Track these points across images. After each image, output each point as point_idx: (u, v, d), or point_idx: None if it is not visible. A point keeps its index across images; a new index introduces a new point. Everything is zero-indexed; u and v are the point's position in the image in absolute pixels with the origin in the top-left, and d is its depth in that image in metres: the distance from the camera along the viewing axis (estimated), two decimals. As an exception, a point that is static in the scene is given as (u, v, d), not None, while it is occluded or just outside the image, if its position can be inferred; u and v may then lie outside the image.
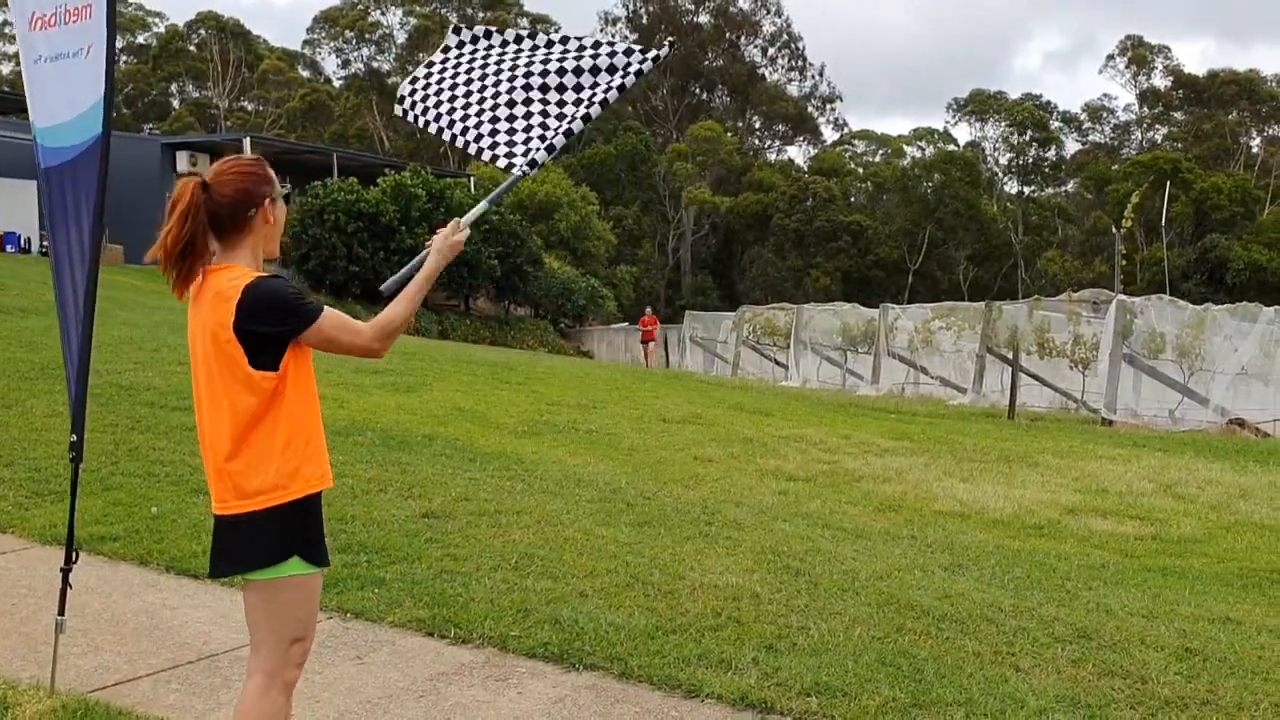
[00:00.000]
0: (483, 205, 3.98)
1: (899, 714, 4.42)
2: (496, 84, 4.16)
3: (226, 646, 5.00)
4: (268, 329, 3.01)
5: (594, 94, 4.02)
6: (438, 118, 4.24)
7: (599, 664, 4.89)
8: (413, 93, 4.32)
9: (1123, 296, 16.79)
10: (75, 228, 3.92)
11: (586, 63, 4.07)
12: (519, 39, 4.26)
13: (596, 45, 4.09)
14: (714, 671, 4.80)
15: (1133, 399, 17.65)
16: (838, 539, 7.45)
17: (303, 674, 4.72)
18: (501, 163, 4.01)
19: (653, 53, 4.01)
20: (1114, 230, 18.64)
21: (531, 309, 40.57)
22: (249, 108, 77.11)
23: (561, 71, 4.06)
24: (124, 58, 78.21)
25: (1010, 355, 18.61)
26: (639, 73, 4.00)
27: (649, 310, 36.67)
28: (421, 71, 4.40)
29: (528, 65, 4.14)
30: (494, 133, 4.09)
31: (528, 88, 4.08)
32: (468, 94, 4.18)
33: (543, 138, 3.96)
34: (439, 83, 4.31)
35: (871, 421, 13.94)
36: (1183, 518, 8.86)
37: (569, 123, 3.98)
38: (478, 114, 4.12)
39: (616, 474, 9.12)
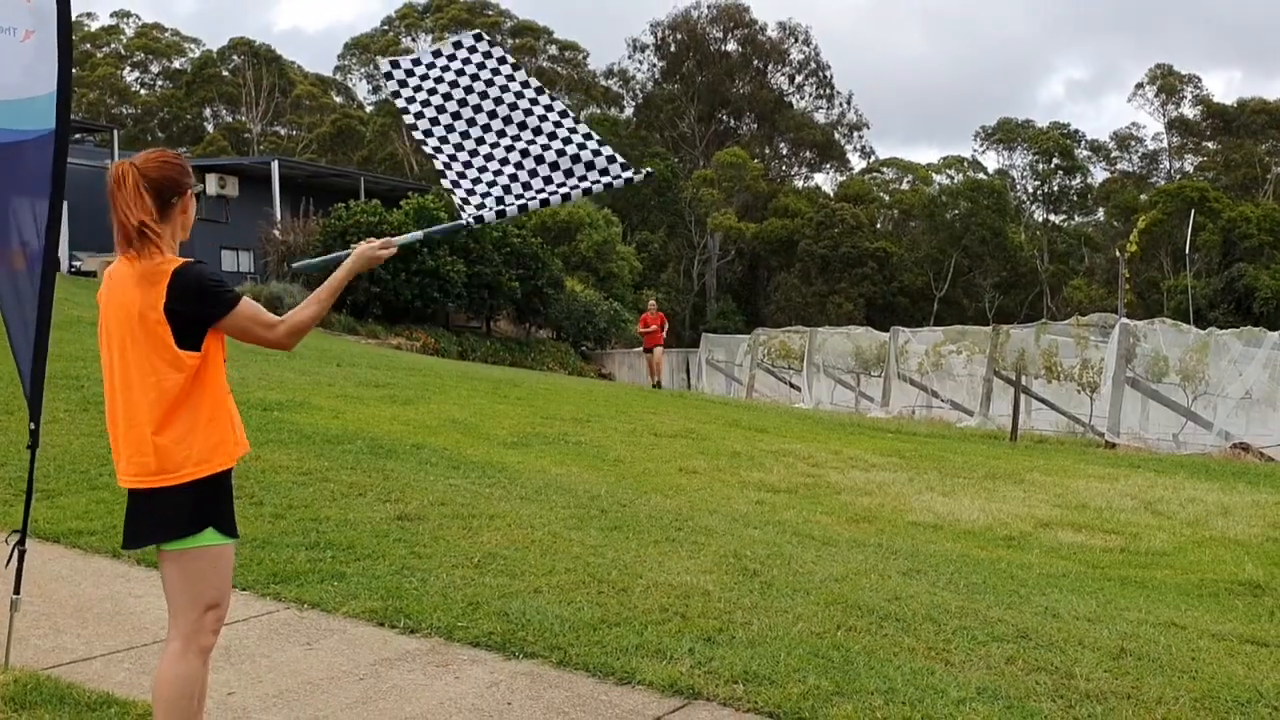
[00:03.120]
0: (417, 235, 4.19)
1: (821, 700, 4.56)
2: (489, 121, 4.31)
3: (183, 631, 5.18)
4: (193, 311, 3.23)
5: (565, 184, 4.19)
6: (419, 116, 4.35)
7: (539, 653, 5.05)
8: (411, 74, 4.44)
9: (1126, 320, 16.84)
10: (13, 221, 4.12)
11: (574, 149, 4.22)
12: (538, 89, 4.40)
13: (590, 138, 4.25)
14: (649, 660, 4.94)
15: (1138, 422, 17.67)
16: (803, 545, 7.58)
17: (250, 656, 4.94)
18: (457, 198, 4.16)
19: (630, 172, 4.19)
20: (1118, 254, 18.71)
21: (553, 331, 40.82)
22: (281, 132, 78.00)
23: (548, 148, 4.21)
24: (159, 82, 79.38)
25: (1018, 380, 18.65)
26: (609, 185, 4.19)
27: (653, 304, 27.08)
28: (428, 58, 4.50)
29: (524, 119, 4.29)
30: (466, 165, 4.23)
31: (515, 145, 4.24)
32: (459, 114, 4.32)
33: (500, 200, 4.11)
34: (440, 83, 4.42)
35: (866, 439, 14.05)
36: (1156, 532, 8.93)
37: (528, 199, 4.14)
38: (460, 138, 4.27)
39: (598, 483, 9.29)
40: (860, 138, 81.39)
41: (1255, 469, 13.65)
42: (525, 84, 4.40)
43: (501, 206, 4.08)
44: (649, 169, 4.44)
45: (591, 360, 41.13)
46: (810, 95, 79.67)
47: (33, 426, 4.63)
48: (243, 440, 3.46)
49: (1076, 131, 76.47)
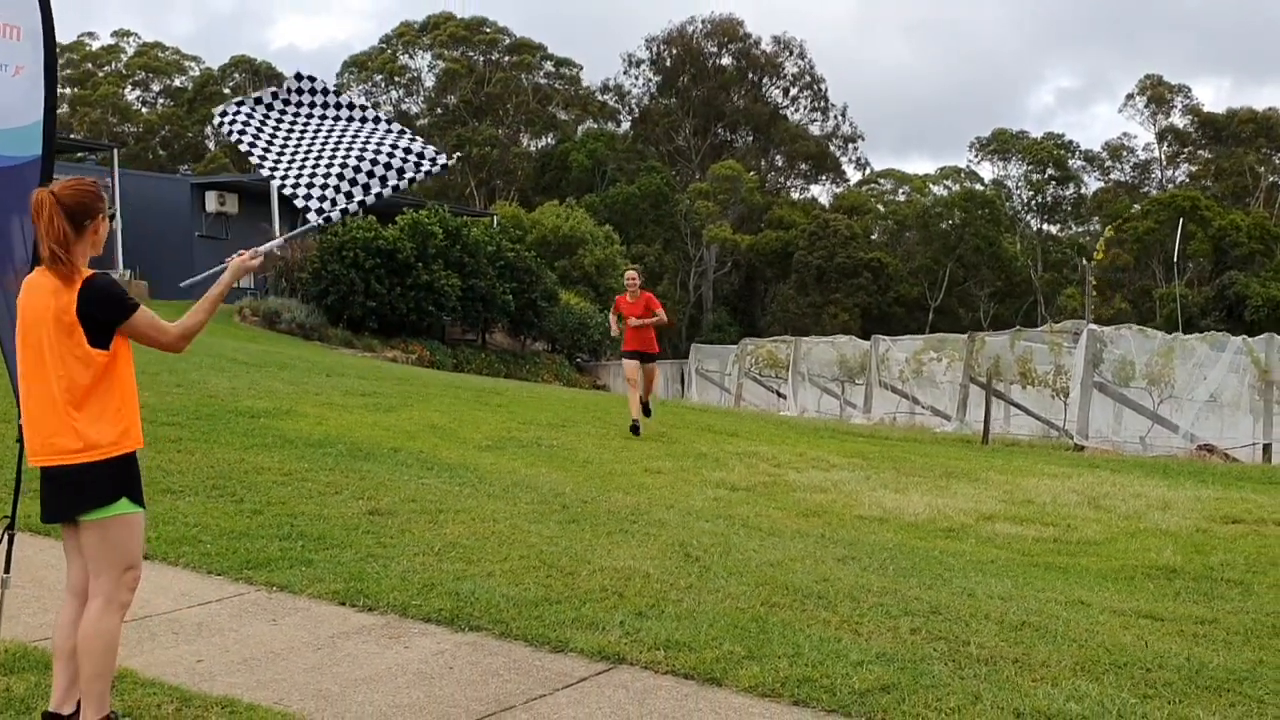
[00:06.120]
0: (278, 241, 5.27)
1: (732, 663, 5.06)
2: (315, 141, 5.23)
3: (160, 610, 5.70)
4: (101, 316, 3.83)
5: (388, 178, 5.07)
6: (254, 145, 5.25)
7: (483, 626, 5.56)
8: (237, 114, 5.34)
9: (1093, 326, 17.35)
10: (6, 241, 4.65)
11: (386, 155, 5.12)
12: (351, 106, 5.42)
13: (402, 135, 5.23)
14: (583, 631, 5.45)
15: (1108, 425, 18.14)
16: (749, 536, 8.08)
17: (220, 631, 5.45)
18: (299, 204, 5.08)
19: (442, 159, 5.13)
20: (1084, 261, 19.24)
21: (548, 343, 41.35)
22: (283, 149, 78.57)
23: (375, 150, 5.13)
24: (160, 100, 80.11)
25: (990, 385, 19.14)
26: (428, 173, 5.14)
27: (634, 276, 14.63)
28: (259, 97, 5.43)
29: (347, 134, 5.28)
30: (309, 183, 5.08)
31: (343, 154, 5.13)
32: (290, 140, 5.27)
33: (334, 202, 5.03)
34: (268, 119, 5.37)
35: (835, 442, 14.54)
36: (1092, 524, 9.41)
37: (362, 197, 5.04)
38: (298, 160, 5.18)
39: (564, 482, 9.79)
40: (855, 149, 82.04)
41: (1211, 469, 14.09)
42: (341, 105, 5.43)
43: (342, 206, 5.02)
44: (449, 157, 5.27)
45: (586, 372, 41.64)
46: (805, 108, 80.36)
47: (21, 422, 5.13)
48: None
49: (1070, 142, 77.18)
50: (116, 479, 3.89)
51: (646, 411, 13.74)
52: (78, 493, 3.89)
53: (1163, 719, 4.61)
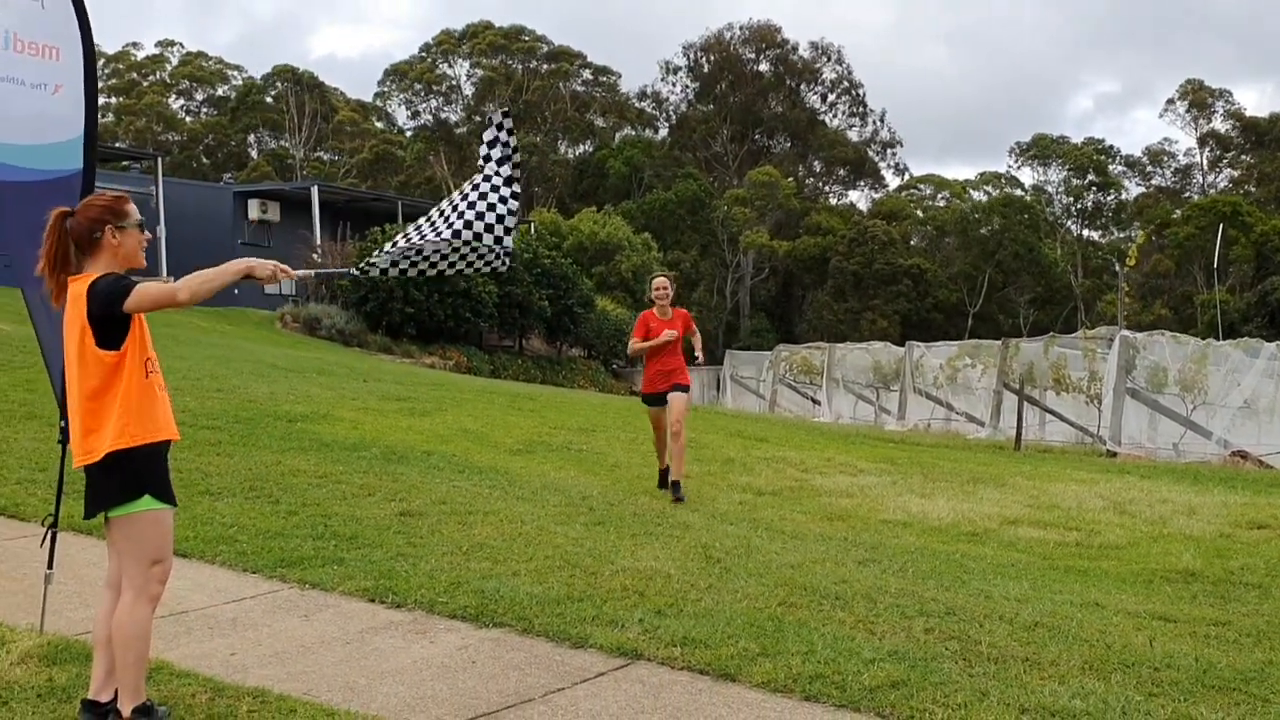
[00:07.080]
0: (309, 273, 5.13)
1: (747, 660, 5.21)
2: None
3: (197, 606, 5.91)
4: (107, 312, 3.99)
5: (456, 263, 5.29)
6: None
7: (507, 622, 5.73)
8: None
9: (1126, 332, 17.35)
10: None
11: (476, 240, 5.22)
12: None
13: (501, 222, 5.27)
14: (602, 628, 5.61)
15: (1142, 432, 18.10)
16: (772, 539, 8.21)
17: (253, 626, 5.65)
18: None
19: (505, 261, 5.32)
20: (1117, 267, 19.24)
21: (585, 349, 41.61)
22: (325, 158, 79.49)
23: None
24: (204, 109, 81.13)
25: (1023, 391, 19.16)
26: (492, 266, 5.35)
27: (663, 284, 10.06)
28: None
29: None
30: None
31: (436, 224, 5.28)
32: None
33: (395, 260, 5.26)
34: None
35: (866, 448, 14.64)
36: (1116, 529, 9.47)
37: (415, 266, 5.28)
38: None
39: (592, 485, 9.96)
40: (894, 155, 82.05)
41: (1242, 475, 14.08)
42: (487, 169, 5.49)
43: (391, 266, 5.26)
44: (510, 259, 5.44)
45: (623, 378, 41.81)
46: (843, 114, 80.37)
47: (63, 424, 5.36)
48: (168, 428, 4.20)
49: (1111, 147, 76.75)
50: (134, 476, 4.03)
51: (676, 490, 9.54)
52: (99, 490, 4.09)
53: (1166, 716, 4.71)
